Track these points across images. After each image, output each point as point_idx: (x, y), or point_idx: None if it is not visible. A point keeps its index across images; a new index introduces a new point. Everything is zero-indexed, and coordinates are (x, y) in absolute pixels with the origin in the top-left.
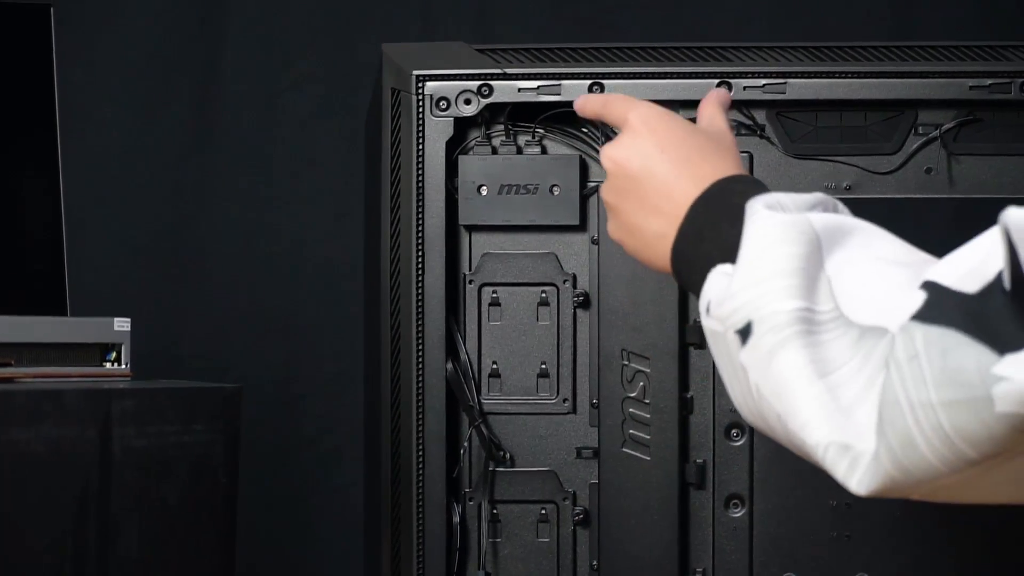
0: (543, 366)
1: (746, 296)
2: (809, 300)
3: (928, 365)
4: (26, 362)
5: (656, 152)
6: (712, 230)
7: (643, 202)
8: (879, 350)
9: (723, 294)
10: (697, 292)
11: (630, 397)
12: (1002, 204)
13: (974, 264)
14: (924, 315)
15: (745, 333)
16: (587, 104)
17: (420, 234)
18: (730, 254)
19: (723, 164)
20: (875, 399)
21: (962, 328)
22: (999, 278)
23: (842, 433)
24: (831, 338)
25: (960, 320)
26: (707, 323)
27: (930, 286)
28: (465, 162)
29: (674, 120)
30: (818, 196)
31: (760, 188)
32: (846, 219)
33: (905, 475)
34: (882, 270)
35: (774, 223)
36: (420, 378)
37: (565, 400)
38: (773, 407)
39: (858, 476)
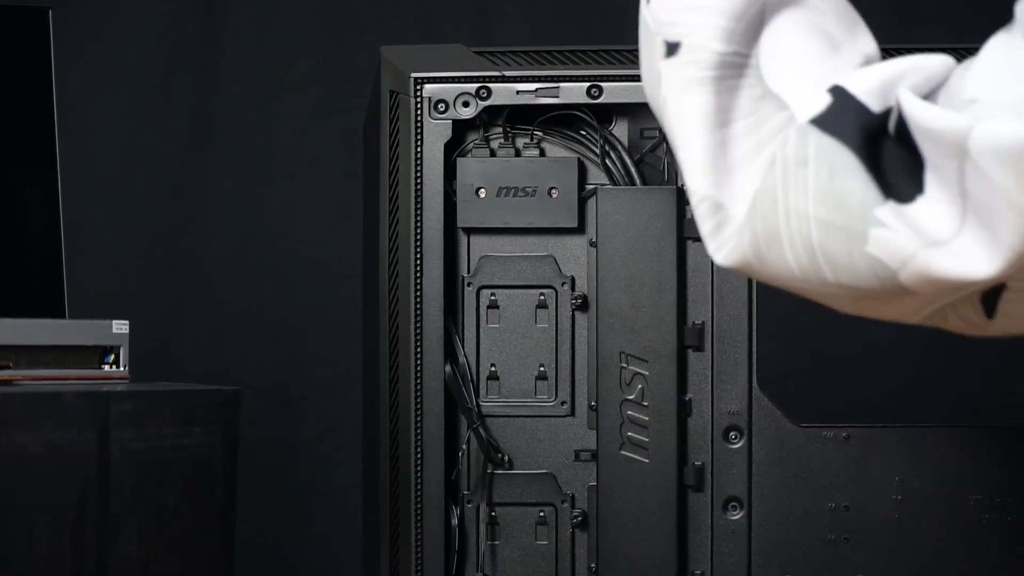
0: (541, 368)
1: (686, 17)
2: (740, 45)
3: (814, 178)
4: (24, 364)
5: None
6: None
7: None
8: (773, 121)
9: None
10: None
11: (628, 400)
12: None
13: (884, 81)
14: (823, 121)
15: (673, 48)
16: None
17: (418, 236)
18: None
19: None
20: (756, 174)
21: (856, 149)
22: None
23: (719, 191)
24: (743, 86)
25: (856, 139)
26: (644, 12)
27: (837, 91)
28: (463, 164)
29: None
30: None
31: None
32: None
33: (761, 264)
34: (810, 42)
35: None
36: (418, 381)
37: (563, 403)
38: (671, 128)
39: (719, 241)
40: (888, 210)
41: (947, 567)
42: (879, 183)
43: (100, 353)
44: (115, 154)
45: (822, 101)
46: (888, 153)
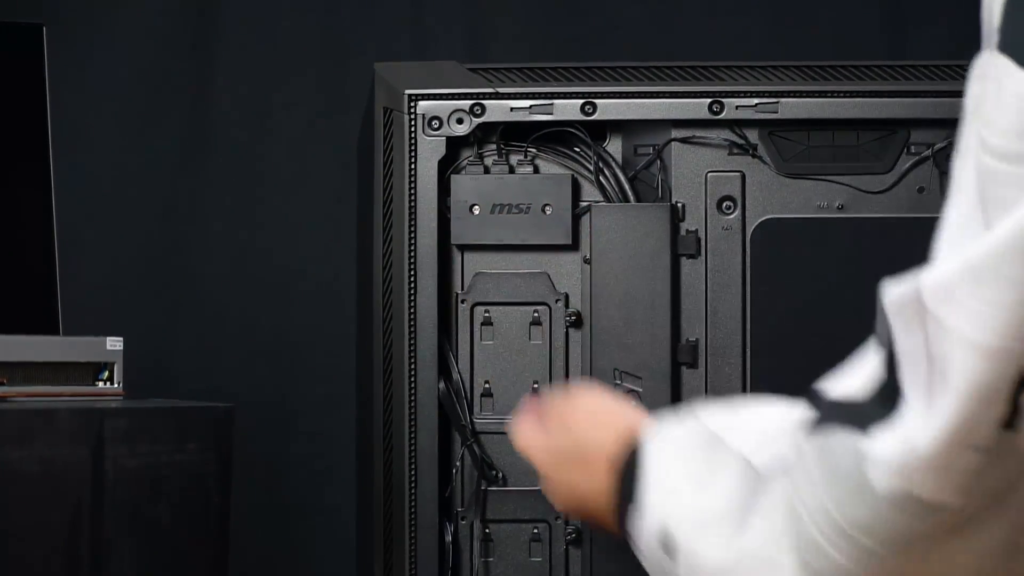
0: (535, 385)
1: (658, 509)
2: (713, 494)
3: (815, 469)
4: (19, 381)
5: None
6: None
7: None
8: (780, 489)
9: (639, 520)
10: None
11: None
12: None
13: (856, 369)
14: (809, 426)
15: (669, 548)
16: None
17: (412, 253)
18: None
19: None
20: (784, 524)
21: (836, 421)
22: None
23: None
24: (754, 521)
25: (837, 415)
26: (642, 550)
27: (812, 394)
28: (457, 181)
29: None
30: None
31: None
32: (737, 405)
33: None
34: (778, 415)
35: (670, 439)
36: (412, 397)
37: None
38: None
39: None
40: (870, 440)
41: None
42: (857, 426)
43: (94, 370)
44: (109, 171)
45: (803, 415)
46: (871, 390)
